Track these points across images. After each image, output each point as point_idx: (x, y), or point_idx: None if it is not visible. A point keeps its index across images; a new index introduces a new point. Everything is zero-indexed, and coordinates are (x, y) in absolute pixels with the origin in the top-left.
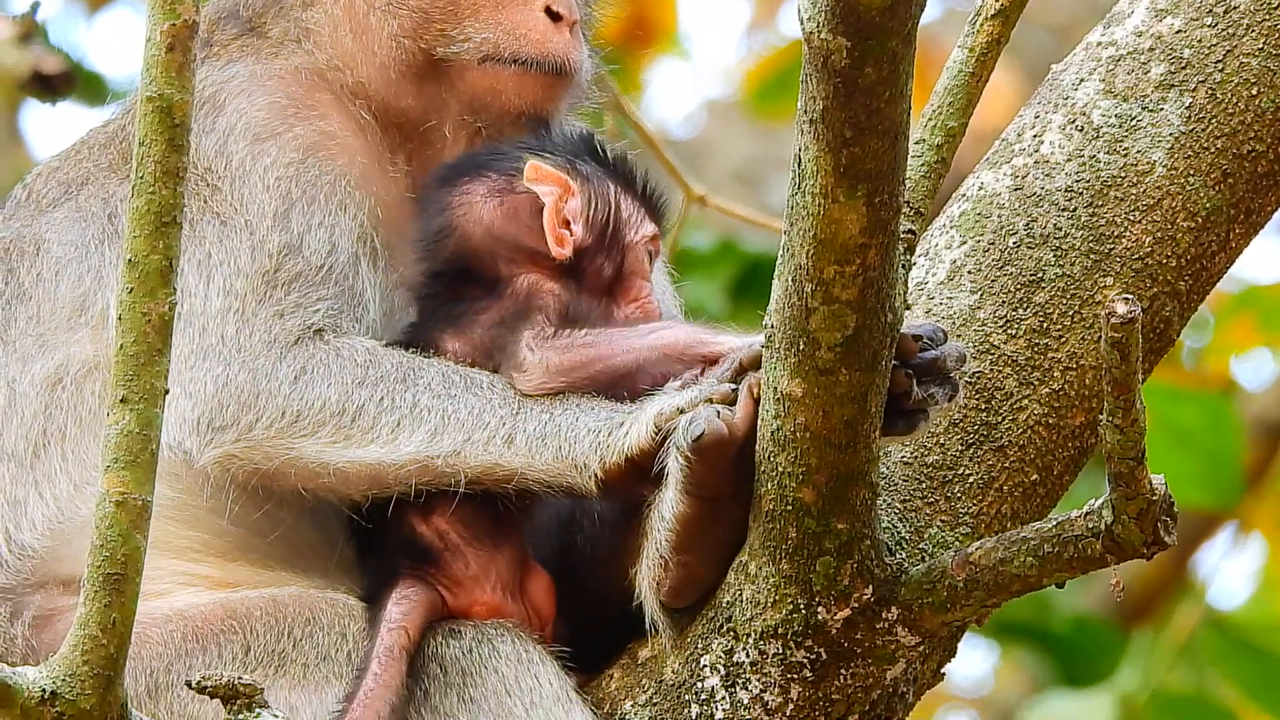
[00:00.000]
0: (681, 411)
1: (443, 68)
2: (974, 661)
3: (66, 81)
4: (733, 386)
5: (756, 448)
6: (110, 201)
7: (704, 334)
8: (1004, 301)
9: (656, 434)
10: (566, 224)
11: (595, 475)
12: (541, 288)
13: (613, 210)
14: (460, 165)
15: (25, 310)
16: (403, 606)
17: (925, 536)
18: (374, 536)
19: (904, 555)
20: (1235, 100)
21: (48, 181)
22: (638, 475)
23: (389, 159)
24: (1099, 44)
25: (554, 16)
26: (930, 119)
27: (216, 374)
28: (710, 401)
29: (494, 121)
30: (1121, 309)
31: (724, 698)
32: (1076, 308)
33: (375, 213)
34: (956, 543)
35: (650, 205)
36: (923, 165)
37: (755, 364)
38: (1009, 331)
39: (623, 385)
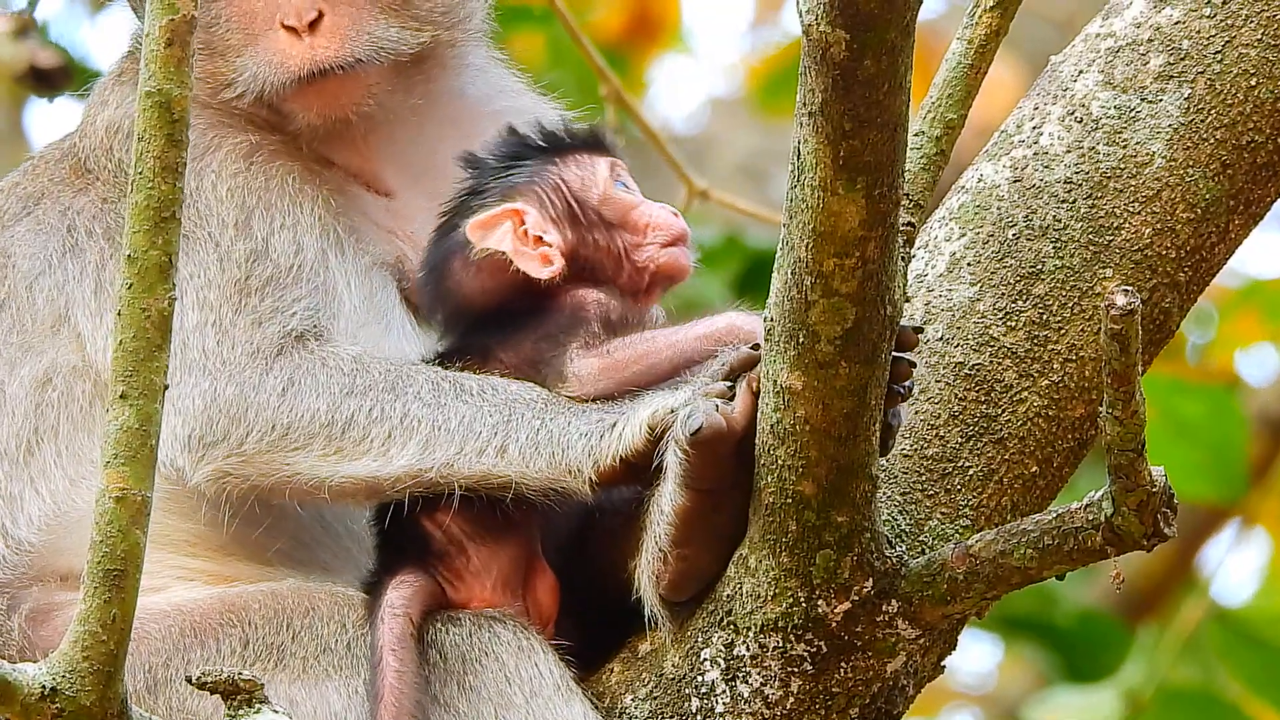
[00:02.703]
0: (674, 411)
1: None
2: (978, 657)
3: (63, 76)
4: (728, 384)
5: (756, 441)
6: (67, 214)
7: (748, 319)
8: (1003, 294)
9: (651, 434)
10: (540, 240)
11: (589, 479)
12: (583, 300)
13: (565, 190)
14: (431, 252)
15: (6, 318)
16: (403, 591)
17: (925, 529)
18: (383, 527)
19: (904, 548)
20: (1234, 91)
21: (8, 197)
22: (632, 475)
23: (311, 155)
24: (1098, 35)
25: (290, 29)
26: (929, 111)
27: (204, 389)
28: (707, 397)
29: (322, 130)
30: (1121, 301)
31: (724, 691)
32: (1076, 299)
33: (330, 202)
34: (956, 535)
35: (589, 146)
36: (922, 158)
37: (746, 366)
38: (1008, 324)
39: (669, 380)
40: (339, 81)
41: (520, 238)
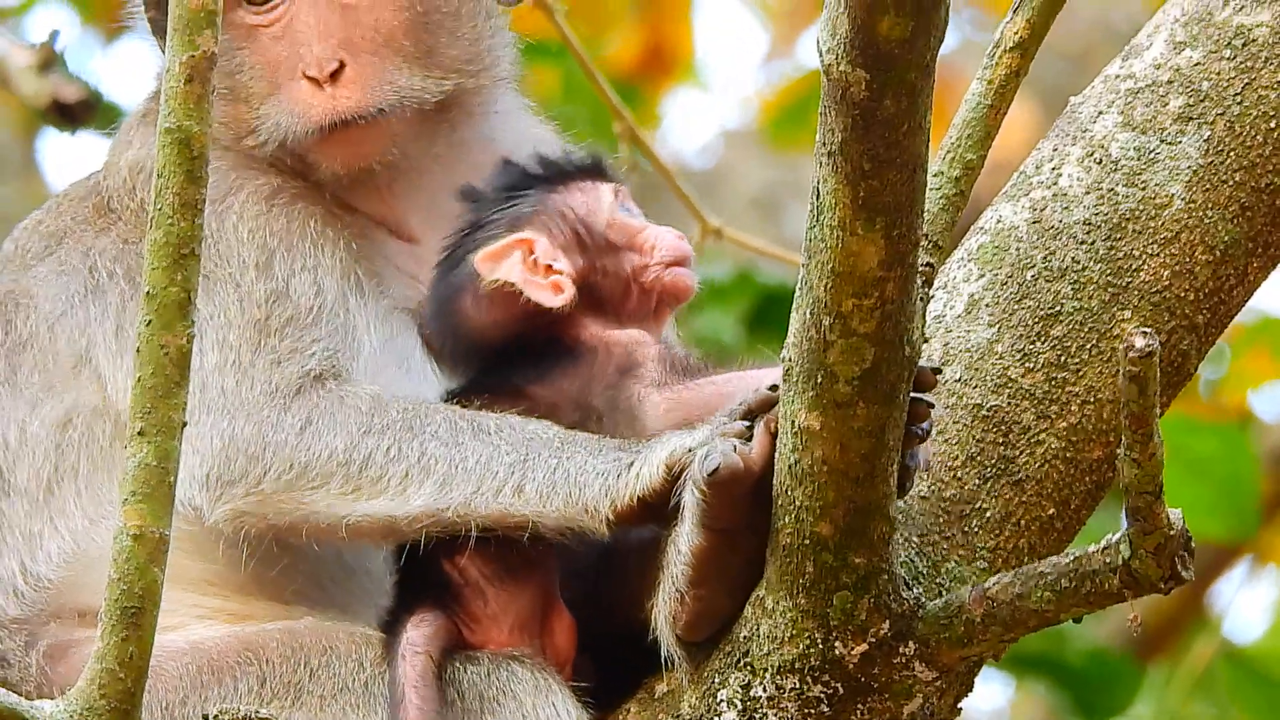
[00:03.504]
0: (691, 451)
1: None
2: (990, 694)
3: (86, 110)
4: (745, 424)
5: (774, 482)
6: (89, 255)
7: None
8: (1022, 335)
9: (668, 474)
10: (550, 269)
11: (606, 519)
12: (627, 346)
13: (573, 216)
14: (437, 288)
15: (28, 359)
16: (423, 630)
17: (942, 571)
18: (401, 567)
19: (921, 590)
20: (1253, 133)
21: (31, 236)
22: (649, 515)
23: (331, 199)
24: (1117, 76)
25: (312, 79)
26: (949, 151)
27: (222, 429)
28: (725, 437)
29: (345, 180)
30: (1139, 343)
31: None
32: (1094, 341)
33: (351, 245)
34: (974, 577)
35: (590, 173)
36: (941, 198)
37: (764, 408)
38: (1027, 365)
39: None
40: (361, 131)
41: (530, 267)
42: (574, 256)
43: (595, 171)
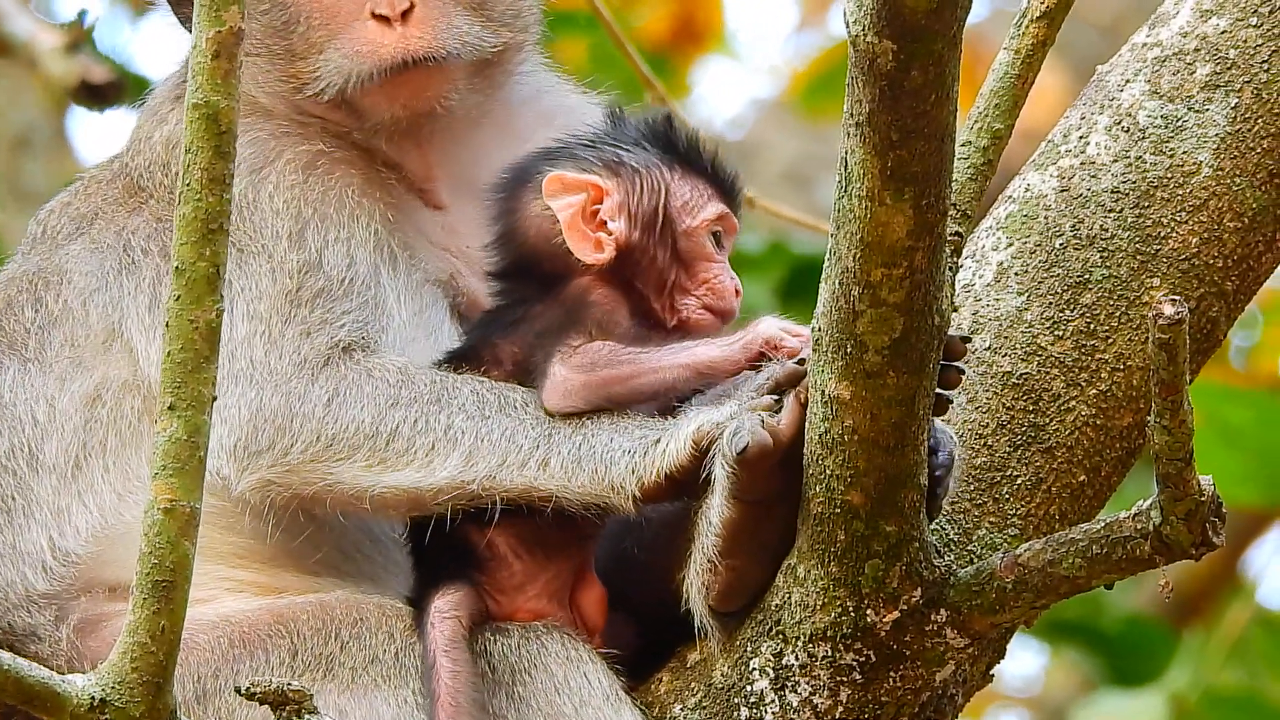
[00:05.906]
0: (719, 425)
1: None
2: (1025, 661)
3: (115, 90)
4: (773, 398)
5: (805, 451)
6: (123, 233)
7: (733, 347)
8: (1051, 303)
9: (696, 449)
10: (603, 225)
11: (633, 495)
12: (589, 296)
13: (662, 198)
14: (521, 167)
15: (58, 335)
16: (450, 599)
17: (973, 538)
18: (422, 542)
19: (952, 557)
20: None
21: (60, 217)
22: (677, 490)
23: (376, 164)
24: (1144, 45)
25: (381, 19)
26: (976, 121)
27: (249, 399)
28: (753, 411)
29: (401, 125)
30: (1169, 310)
31: (773, 700)
32: (1123, 309)
33: (386, 217)
34: (1005, 544)
35: (719, 185)
36: (969, 167)
37: (792, 382)
38: (1056, 333)
39: (649, 404)
40: (426, 74)
41: (585, 216)
42: (634, 228)
43: (724, 187)
